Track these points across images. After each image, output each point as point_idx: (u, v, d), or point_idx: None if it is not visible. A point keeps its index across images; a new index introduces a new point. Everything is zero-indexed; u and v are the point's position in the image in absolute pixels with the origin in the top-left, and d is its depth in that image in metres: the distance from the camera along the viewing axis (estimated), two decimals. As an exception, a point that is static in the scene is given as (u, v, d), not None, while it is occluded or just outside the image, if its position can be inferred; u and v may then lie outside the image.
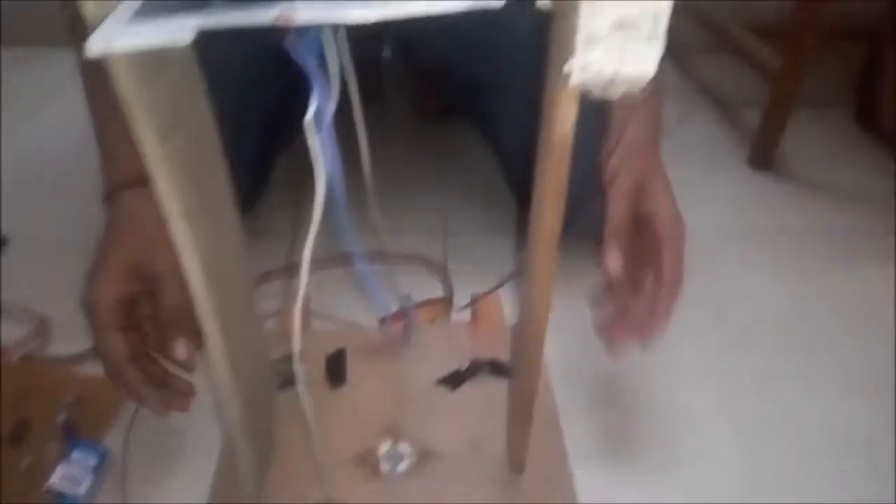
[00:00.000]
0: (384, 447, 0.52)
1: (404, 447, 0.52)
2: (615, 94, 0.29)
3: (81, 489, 0.53)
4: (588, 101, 0.30)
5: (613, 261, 0.52)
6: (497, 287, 0.73)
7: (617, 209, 0.55)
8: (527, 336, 0.42)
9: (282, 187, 0.84)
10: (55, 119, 1.09)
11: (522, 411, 0.46)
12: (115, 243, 0.52)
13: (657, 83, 0.53)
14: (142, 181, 0.54)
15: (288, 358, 0.58)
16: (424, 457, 0.51)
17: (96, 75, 0.56)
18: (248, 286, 0.48)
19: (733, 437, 0.60)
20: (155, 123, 0.30)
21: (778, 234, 0.84)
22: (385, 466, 0.51)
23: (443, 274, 0.74)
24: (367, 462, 0.51)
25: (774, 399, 0.63)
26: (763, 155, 0.95)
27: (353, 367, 0.58)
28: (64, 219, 0.86)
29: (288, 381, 0.56)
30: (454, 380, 0.57)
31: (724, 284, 0.75)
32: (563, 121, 0.31)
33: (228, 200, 0.42)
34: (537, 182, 0.35)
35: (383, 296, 0.52)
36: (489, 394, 0.56)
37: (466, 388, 0.57)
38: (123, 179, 0.54)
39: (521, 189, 0.77)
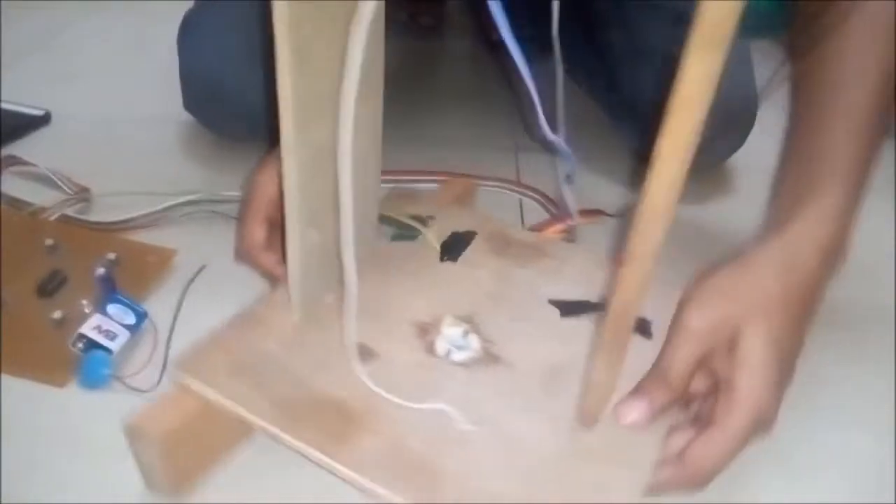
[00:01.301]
0: (450, 330, 0.46)
1: (472, 340, 0.46)
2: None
3: (115, 344, 0.48)
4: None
5: (634, 413, 0.39)
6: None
7: (678, 351, 0.39)
8: (645, 220, 0.32)
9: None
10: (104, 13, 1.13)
11: (613, 341, 0.36)
12: None
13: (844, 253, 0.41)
14: None
15: (414, 217, 0.53)
16: (488, 360, 0.44)
17: None
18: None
19: None
20: None
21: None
22: (440, 348, 0.44)
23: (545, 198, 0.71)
24: (425, 334, 0.45)
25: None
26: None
27: (473, 253, 0.53)
28: (104, 99, 0.87)
29: (400, 236, 0.53)
30: (571, 308, 0.48)
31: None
32: None
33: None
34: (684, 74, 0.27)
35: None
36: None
37: (578, 321, 0.47)
38: None
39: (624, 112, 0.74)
